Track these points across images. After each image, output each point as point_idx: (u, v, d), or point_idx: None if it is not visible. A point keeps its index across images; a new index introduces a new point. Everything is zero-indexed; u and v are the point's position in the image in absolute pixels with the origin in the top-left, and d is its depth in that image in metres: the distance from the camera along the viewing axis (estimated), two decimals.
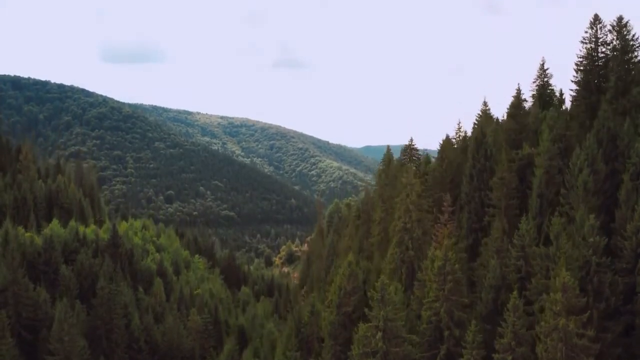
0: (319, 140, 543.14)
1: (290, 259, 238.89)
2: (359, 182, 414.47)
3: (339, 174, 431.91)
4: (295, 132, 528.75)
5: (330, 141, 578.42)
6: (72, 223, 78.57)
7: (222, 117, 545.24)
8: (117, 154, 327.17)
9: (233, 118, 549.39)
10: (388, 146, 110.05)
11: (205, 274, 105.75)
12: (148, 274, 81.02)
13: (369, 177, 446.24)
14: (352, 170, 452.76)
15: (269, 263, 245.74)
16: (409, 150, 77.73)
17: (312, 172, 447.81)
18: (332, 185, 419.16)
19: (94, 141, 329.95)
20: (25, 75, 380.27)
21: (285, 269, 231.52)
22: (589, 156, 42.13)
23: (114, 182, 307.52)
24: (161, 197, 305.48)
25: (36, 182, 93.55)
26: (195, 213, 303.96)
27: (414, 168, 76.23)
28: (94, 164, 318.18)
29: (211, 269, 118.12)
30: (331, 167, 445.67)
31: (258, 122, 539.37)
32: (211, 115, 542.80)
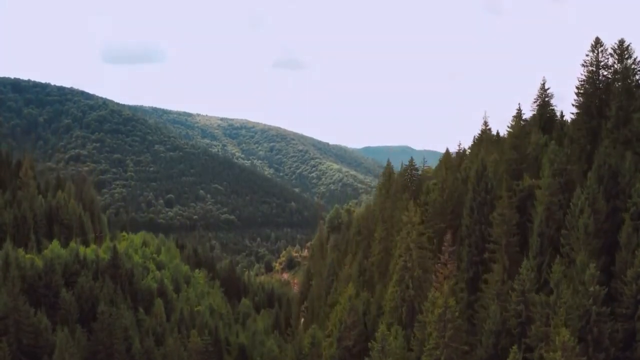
0: (319, 142, 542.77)
1: (291, 265, 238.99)
2: (359, 185, 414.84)
3: (339, 176, 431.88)
4: (295, 133, 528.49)
5: (330, 142, 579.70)
6: (73, 244, 78.69)
7: (222, 119, 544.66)
8: (117, 157, 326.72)
9: (233, 120, 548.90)
10: (388, 161, 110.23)
11: (206, 289, 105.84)
12: (148, 293, 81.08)
13: (369, 179, 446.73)
14: (352, 172, 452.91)
15: (269, 268, 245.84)
16: (409, 170, 77.68)
17: (312, 174, 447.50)
18: (332, 187, 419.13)
19: (94, 144, 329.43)
20: (25, 78, 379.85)
21: (285, 275, 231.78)
22: (589, 195, 42.10)
23: (114, 185, 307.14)
24: (161, 201, 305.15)
25: (36, 198, 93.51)
26: (195, 217, 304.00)
27: (413, 189, 76.55)
28: (93, 167, 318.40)
29: (211, 281, 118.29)
30: (331, 169, 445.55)
31: (258, 123, 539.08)
32: (211, 117, 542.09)
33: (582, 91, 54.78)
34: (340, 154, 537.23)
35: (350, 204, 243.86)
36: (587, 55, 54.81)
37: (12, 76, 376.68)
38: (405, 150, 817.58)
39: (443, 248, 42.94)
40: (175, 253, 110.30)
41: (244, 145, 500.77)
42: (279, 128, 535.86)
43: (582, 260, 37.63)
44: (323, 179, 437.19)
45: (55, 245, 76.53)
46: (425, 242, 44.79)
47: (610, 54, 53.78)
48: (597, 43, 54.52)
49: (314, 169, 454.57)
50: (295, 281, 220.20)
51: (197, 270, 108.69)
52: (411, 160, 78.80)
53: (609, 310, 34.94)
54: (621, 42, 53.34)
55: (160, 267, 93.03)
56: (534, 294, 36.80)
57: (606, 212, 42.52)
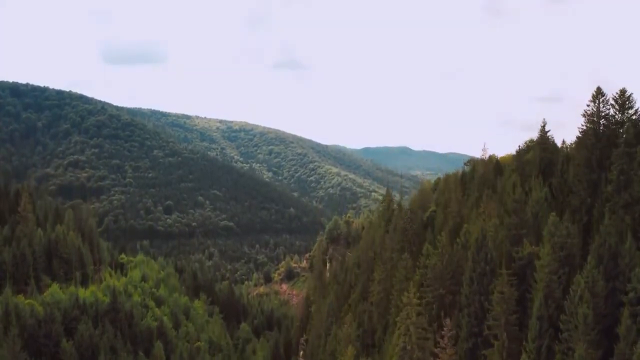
0: (318, 145, 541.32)
1: (290, 275, 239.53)
2: (358, 189, 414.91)
3: (337, 180, 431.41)
4: (294, 136, 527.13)
5: (329, 144, 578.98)
6: (72, 288, 78.70)
7: (220, 121, 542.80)
8: (115, 163, 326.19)
9: (232, 122, 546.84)
10: (387, 189, 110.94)
11: (205, 318, 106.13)
12: (148, 333, 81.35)
13: (368, 182, 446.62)
14: (351, 175, 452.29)
15: (268, 279, 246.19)
16: (409, 214, 77.90)
17: (311, 177, 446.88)
18: (330, 191, 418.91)
19: (93, 150, 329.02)
20: (24, 82, 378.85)
21: (284, 286, 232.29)
22: (589, 279, 42.15)
23: (112, 192, 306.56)
24: (160, 208, 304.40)
25: (35, 232, 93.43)
26: (194, 224, 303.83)
27: (413, 233, 76.81)
28: (92, 173, 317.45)
29: (211, 306, 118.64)
30: (330, 173, 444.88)
31: (257, 126, 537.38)
32: (210, 120, 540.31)
33: (583, 142, 55.10)
34: (339, 157, 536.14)
35: (349, 214, 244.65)
36: (587, 106, 55.04)
37: (10, 80, 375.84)
38: (404, 150, 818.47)
39: (443, 332, 43.14)
40: (175, 281, 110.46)
41: (242, 148, 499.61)
42: (278, 130, 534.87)
43: (581, 354, 37.85)
44: (322, 182, 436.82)
45: (54, 288, 76.58)
46: (424, 323, 44.99)
47: (612, 104, 54.00)
48: (599, 93, 54.74)
49: (312, 172, 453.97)
50: (294, 292, 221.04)
51: (196, 301, 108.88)
52: (410, 203, 79.08)
53: None
54: (622, 92, 53.57)
55: (159, 302, 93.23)
56: None
57: (605, 294, 42.65)
